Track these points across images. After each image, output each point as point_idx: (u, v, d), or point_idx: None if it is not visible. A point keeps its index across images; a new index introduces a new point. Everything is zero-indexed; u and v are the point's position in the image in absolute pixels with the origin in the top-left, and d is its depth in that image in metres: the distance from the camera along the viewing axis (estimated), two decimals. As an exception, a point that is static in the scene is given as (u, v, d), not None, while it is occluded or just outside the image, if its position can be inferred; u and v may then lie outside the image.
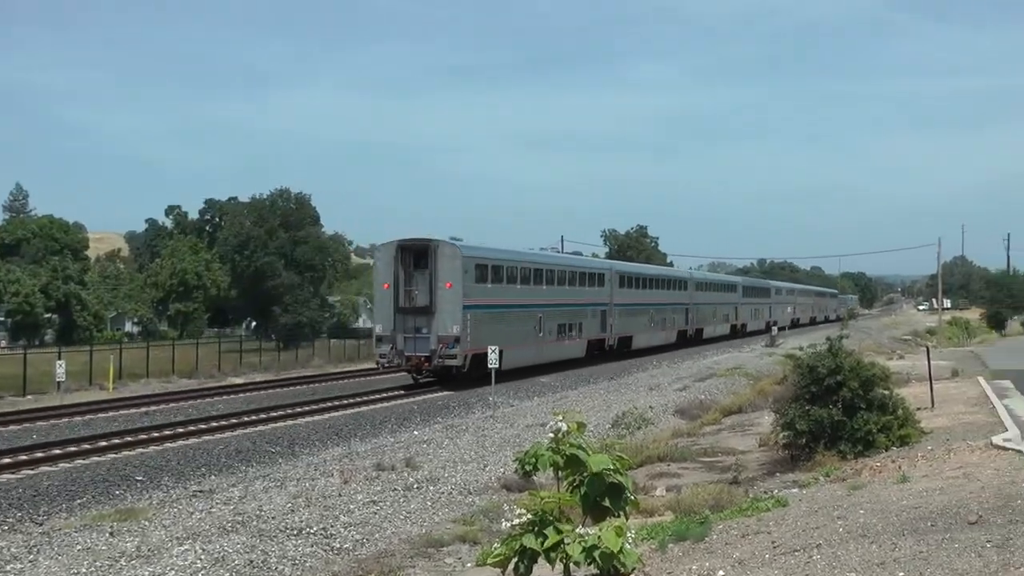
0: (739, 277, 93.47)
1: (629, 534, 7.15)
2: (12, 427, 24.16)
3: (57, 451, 19.93)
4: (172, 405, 29.23)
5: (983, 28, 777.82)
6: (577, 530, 7.09)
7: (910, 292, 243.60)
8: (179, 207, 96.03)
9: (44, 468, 18.35)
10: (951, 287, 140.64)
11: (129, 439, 21.60)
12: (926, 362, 23.94)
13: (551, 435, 7.38)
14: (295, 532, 13.61)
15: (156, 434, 22.39)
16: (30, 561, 12.01)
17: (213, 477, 17.87)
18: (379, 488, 16.50)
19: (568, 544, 6.97)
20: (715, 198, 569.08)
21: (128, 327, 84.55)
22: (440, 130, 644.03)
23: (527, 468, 7.41)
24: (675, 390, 32.83)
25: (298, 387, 35.34)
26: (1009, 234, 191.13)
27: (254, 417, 25.41)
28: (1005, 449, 13.47)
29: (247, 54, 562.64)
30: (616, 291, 48.27)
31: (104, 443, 21.01)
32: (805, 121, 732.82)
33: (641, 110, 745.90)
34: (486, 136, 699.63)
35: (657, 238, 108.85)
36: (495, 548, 7.38)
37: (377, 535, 13.98)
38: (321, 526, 13.98)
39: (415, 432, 23.57)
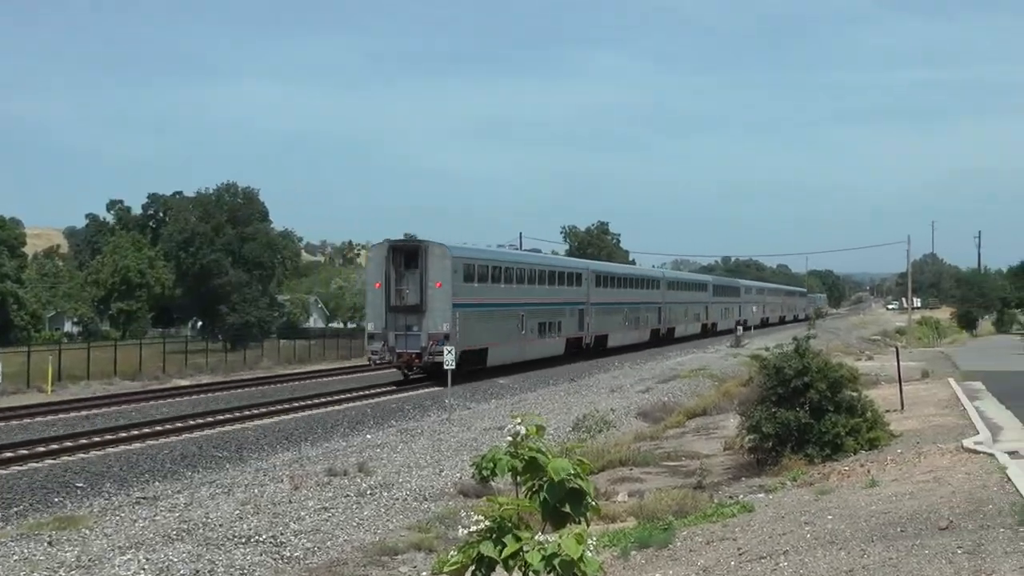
0: (709, 276, 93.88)
1: (590, 541, 6.94)
2: (-54, 432, 23.35)
3: (-7, 457, 19.27)
4: (114, 408, 28.59)
5: (954, 19, 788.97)
6: (536, 537, 6.92)
7: (879, 291, 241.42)
8: (121, 202, 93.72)
9: (-21, 475, 17.72)
10: (921, 286, 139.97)
11: (69, 444, 21.10)
12: (895, 363, 23.80)
13: (509, 439, 7.20)
14: (243, 540, 13.32)
15: (97, 439, 21.85)
16: (-38, 573, 11.57)
17: (157, 483, 17.52)
18: (331, 494, 16.21)
19: (527, 552, 6.76)
20: (679, 194, 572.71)
21: (68, 327, 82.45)
22: (390, 123, 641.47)
23: (484, 473, 7.16)
24: (638, 392, 32.77)
25: (246, 389, 34.77)
26: (980, 232, 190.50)
27: (200, 421, 24.97)
28: (976, 452, 13.39)
29: (184, 43, 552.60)
30: (593, 290, 48.84)
31: (42, 448, 20.45)
32: (769, 113, 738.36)
33: (604, 102, 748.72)
34: (439, 128, 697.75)
35: (619, 235, 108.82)
36: (451, 556, 7.12)
37: (329, 543, 13.70)
38: (270, 534, 13.69)
39: (368, 436, 23.26)
